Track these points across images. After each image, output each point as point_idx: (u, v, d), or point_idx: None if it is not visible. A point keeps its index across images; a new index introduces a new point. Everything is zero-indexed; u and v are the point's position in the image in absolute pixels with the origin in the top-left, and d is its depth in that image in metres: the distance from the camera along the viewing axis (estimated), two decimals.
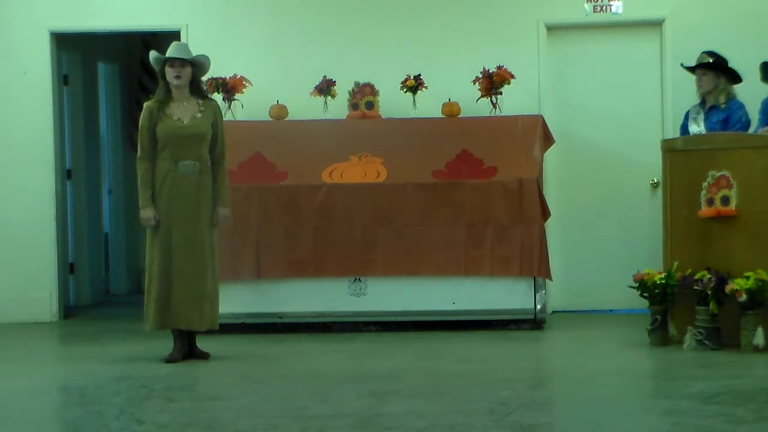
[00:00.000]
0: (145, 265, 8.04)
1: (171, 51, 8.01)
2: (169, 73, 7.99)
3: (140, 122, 8.07)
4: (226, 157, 8.18)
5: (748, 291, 7.78)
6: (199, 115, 8.03)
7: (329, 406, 6.36)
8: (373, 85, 9.96)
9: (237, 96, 9.94)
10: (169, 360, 7.96)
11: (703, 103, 8.97)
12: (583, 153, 10.36)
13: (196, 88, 8.10)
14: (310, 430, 5.73)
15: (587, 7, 10.29)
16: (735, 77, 8.86)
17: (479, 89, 9.81)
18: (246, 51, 10.34)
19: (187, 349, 8.09)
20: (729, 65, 8.88)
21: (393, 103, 9.96)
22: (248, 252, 9.29)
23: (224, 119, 9.86)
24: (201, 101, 8.10)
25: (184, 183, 7.98)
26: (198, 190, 7.99)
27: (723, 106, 8.83)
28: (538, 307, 9.28)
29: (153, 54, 8.09)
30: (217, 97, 9.93)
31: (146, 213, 7.97)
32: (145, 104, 8.10)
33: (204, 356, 8.10)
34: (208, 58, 8.16)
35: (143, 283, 12.73)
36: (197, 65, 8.09)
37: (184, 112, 8.01)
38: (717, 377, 7.02)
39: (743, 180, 8.10)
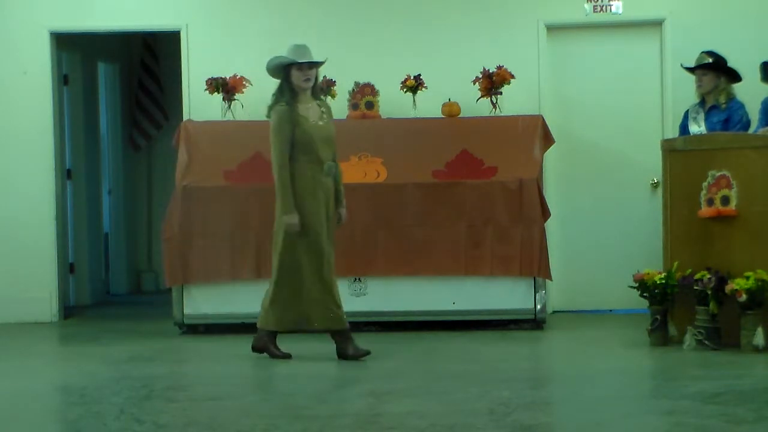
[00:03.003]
0: (288, 268, 7.84)
1: (299, 54, 7.82)
2: (299, 76, 7.80)
3: (279, 127, 7.79)
4: None
5: (748, 291, 7.78)
6: (325, 116, 7.96)
7: (329, 406, 6.37)
8: (373, 85, 9.96)
9: (237, 96, 9.93)
10: (280, 356, 7.96)
11: (702, 102, 8.97)
12: (583, 153, 10.36)
13: (313, 89, 7.99)
14: (310, 430, 5.74)
15: (587, 7, 10.29)
16: (735, 77, 8.86)
17: (479, 89, 9.81)
18: (246, 51, 10.33)
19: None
20: (728, 65, 8.88)
21: (393, 103, 9.95)
22: (248, 252, 9.30)
23: (224, 119, 9.95)
24: (319, 102, 8.02)
25: (328, 185, 7.90)
26: (334, 191, 7.97)
27: (723, 106, 8.83)
28: (538, 307, 9.28)
29: (279, 59, 7.84)
30: (217, 97, 9.95)
31: (294, 218, 7.74)
32: (280, 109, 7.80)
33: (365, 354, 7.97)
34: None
35: (144, 284, 12.74)
36: (317, 66, 7.97)
37: (313, 114, 7.88)
38: (717, 377, 7.03)
39: (743, 180, 8.10)
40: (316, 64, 7.89)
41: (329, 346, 8.66)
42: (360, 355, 7.87)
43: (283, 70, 7.86)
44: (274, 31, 10.38)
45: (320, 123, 7.88)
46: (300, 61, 7.81)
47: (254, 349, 8.07)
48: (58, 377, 7.83)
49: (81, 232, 11.77)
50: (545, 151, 9.75)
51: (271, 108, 7.92)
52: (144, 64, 13.03)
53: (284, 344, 8.62)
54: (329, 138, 7.91)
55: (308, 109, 7.87)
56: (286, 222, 7.76)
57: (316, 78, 7.96)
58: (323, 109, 7.99)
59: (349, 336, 7.95)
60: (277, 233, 7.90)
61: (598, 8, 10.29)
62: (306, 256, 7.80)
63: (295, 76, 7.83)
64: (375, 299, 9.30)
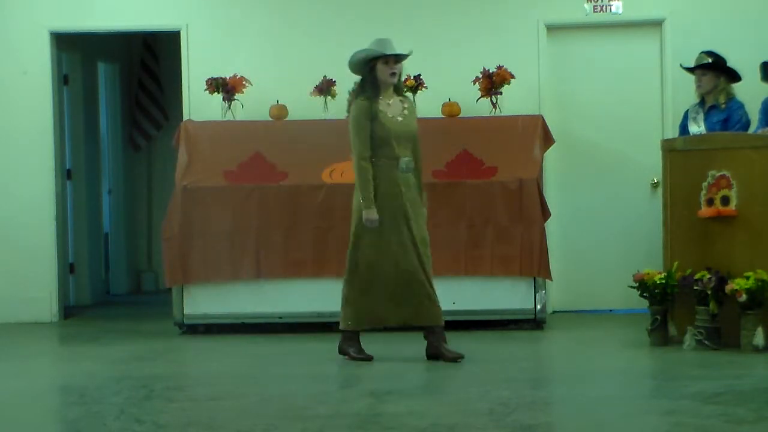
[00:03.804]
0: (361, 265, 7.73)
1: (385, 47, 7.64)
2: (384, 70, 7.64)
3: (357, 120, 7.67)
4: None
5: (748, 291, 7.78)
6: (407, 112, 7.78)
7: (329, 406, 6.36)
8: None
9: (237, 96, 9.93)
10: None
11: (702, 102, 8.97)
12: (583, 153, 10.36)
13: (396, 85, 7.81)
14: (310, 430, 5.73)
15: (587, 7, 10.29)
16: (734, 76, 8.86)
17: (479, 89, 9.81)
18: (246, 51, 10.34)
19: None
20: (728, 64, 8.88)
21: None
22: (248, 252, 9.30)
23: (224, 119, 9.94)
24: (401, 98, 7.84)
25: (406, 181, 7.72)
26: (415, 187, 7.79)
27: (723, 106, 8.82)
28: (538, 307, 9.27)
29: (364, 52, 7.67)
30: (217, 97, 9.95)
31: (373, 214, 7.61)
32: (359, 103, 7.69)
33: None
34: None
35: (144, 284, 12.68)
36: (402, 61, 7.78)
37: (393, 109, 7.73)
38: (717, 377, 7.03)
39: (743, 180, 8.10)
40: (402, 58, 7.70)
41: (324, 345, 8.66)
42: (354, 358, 7.84)
43: (366, 64, 7.70)
44: (274, 31, 10.40)
45: (399, 119, 7.71)
46: (388, 53, 7.63)
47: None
48: (58, 377, 7.83)
49: (81, 232, 11.77)
50: (545, 151, 9.75)
51: (351, 103, 7.80)
52: (144, 64, 13.03)
53: (283, 343, 8.63)
54: (408, 134, 7.74)
55: (389, 104, 7.71)
56: (365, 217, 7.64)
57: (400, 73, 7.79)
58: (406, 105, 7.83)
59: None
60: (352, 231, 7.79)
61: (598, 8, 10.30)
62: (377, 254, 7.68)
63: (380, 70, 7.66)
64: None
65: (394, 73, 7.69)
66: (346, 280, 7.84)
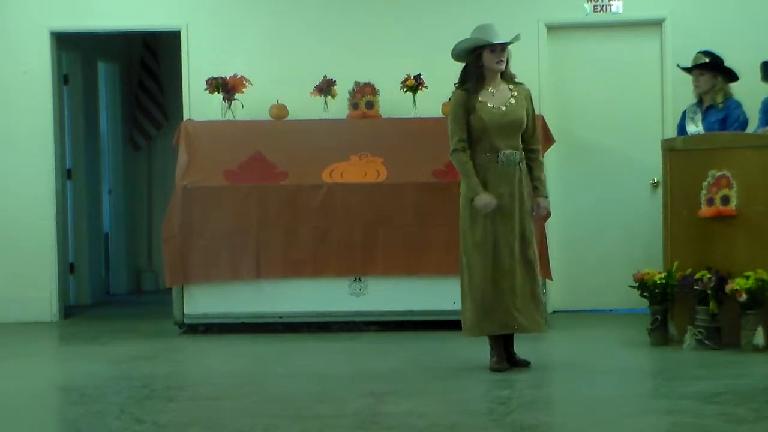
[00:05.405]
0: (462, 265, 7.40)
1: (492, 35, 7.32)
2: (491, 59, 7.31)
3: (452, 111, 7.41)
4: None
5: (748, 291, 7.78)
6: (513, 101, 7.38)
7: (329, 406, 6.36)
8: (373, 85, 9.96)
9: (237, 96, 9.93)
10: (497, 369, 7.36)
11: (700, 102, 8.97)
12: (583, 153, 10.36)
13: (504, 72, 7.46)
14: (310, 430, 5.74)
15: (587, 7, 10.29)
16: (732, 76, 8.86)
17: None
18: (246, 51, 10.34)
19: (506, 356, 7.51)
20: (725, 64, 8.88)
21: (393, 103, 9.95)
22: (248, 252, 9.30)
23: (224, 119, 9.93)
24: (511, 86, 7.47)
25: (506, 174, 7.32)
26: (519, 181, 7.35)
27: (720, 105, 8.82)
28: None
29: (471, 41, 7.37)
30: (217, 97, 9.95)
31: (484, 198, 7.23)
32: (456, 93, 7.41)
33: (525, 364, 7.54)
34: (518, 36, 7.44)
35: (144, 284, 12.69)
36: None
37: (497, 98, 7.37)
38: (717, 377, 7.03)
39: (743, 180, 8.10)
40: (505, 45, 7.35)
41: (324, 345, 8.65)
42: (496, 369, 7.40)
43: (471, 52, 7.38)
44: (274, 31, 10.40)
45: (502, 108, 7.33)
46: (495, 42, 7.30)
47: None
48: (58, 377, 7.83)
49: (81, 232, 11.77)
50: (545, 151, 9.73)
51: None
52: (144, 64, 13.03)
53: (283, 343, 8.61)
54: (512, 124, 7.34)
55: (493, 93, 7.38)
56: (475, 205, 7.26)
57: (508, 60, 7.45)
58: (515, 93, 7.43)
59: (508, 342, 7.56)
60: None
61: (598, 8, 10.30)
62: (475, 253, 7.36)
63: (487, 59, 7.34)
64: (375, 299, 9.30)
65: (501, 61, 7.35)
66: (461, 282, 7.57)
